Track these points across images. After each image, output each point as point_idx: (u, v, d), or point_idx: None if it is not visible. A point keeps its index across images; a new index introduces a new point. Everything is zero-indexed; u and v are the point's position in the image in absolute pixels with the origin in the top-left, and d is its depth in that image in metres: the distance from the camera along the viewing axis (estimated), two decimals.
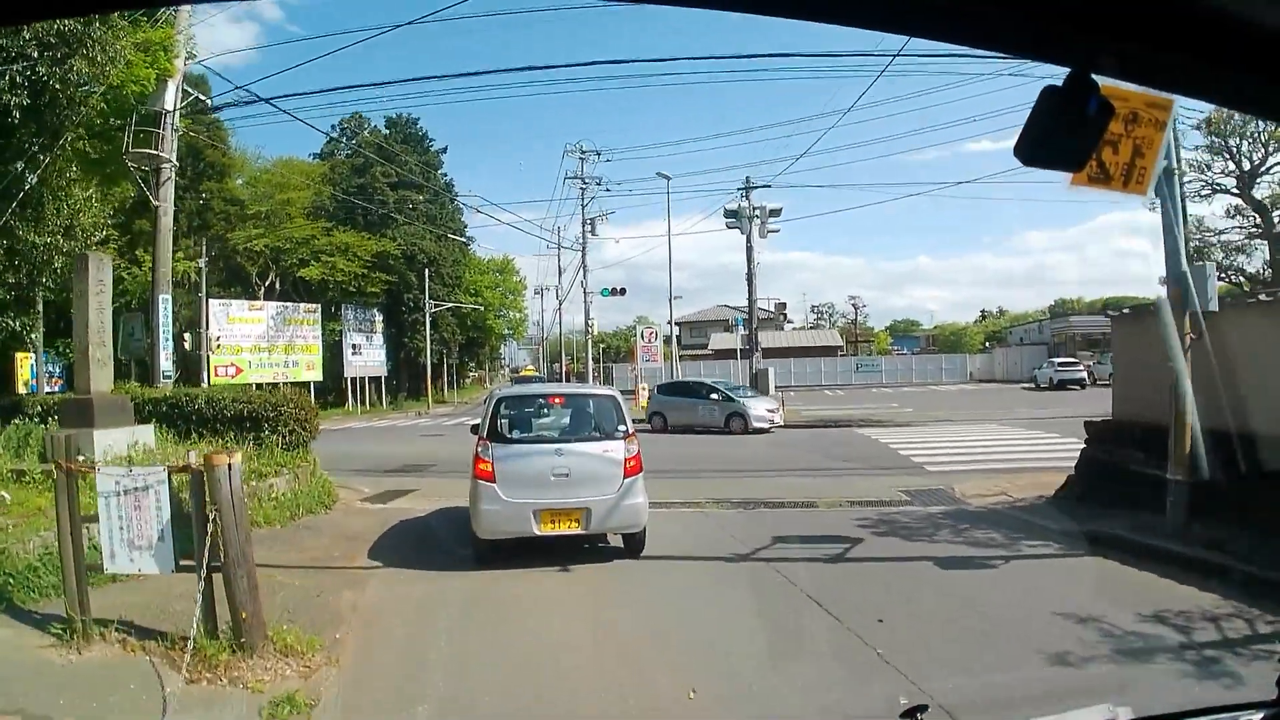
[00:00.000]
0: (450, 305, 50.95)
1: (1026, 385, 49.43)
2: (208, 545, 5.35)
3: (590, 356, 42.16)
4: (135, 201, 44.87)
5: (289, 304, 43.22)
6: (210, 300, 40.05)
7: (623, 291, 40.63)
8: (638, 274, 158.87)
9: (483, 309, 57.72)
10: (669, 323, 43.94)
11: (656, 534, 9.38)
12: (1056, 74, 1.32)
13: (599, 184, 41.42)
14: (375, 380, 48.63)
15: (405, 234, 46.91)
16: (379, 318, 48.07)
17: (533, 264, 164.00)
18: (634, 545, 8.77)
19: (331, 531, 10.57)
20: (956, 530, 10.28)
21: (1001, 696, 5.17)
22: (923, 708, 2.03)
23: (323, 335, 44.24)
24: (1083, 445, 12.63)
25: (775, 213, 26.26)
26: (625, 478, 8.34)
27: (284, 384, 41.99)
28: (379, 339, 48.08)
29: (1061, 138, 1.32)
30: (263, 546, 9.39)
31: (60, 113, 14.73)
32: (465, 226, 56.68)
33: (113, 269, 34.80)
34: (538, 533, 8.17)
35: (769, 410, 25.05)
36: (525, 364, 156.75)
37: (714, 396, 25.27)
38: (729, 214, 27.23)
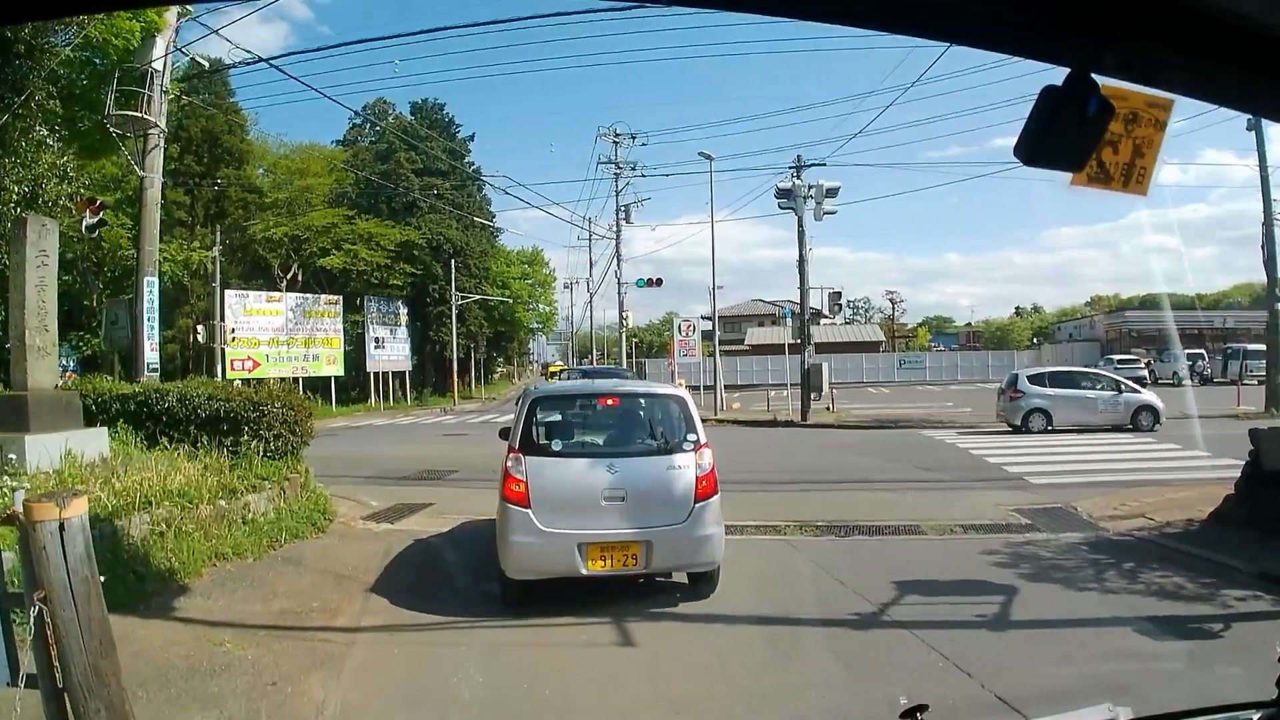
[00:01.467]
0: (477, 297, 48.85)
1: None
2: (28, 656, 3.07)
3: (624, 351, 39.79)
4: None
5: (309, 295, 41.33)
6: (226, 291, 38.25)
7: (659, 282, 38.32)
8: (667, 269, 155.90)
9: (511, 301, 55.52)
10: (704, 317, 41.61)
11: (737, 575, 7.13)
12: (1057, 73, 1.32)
13: (634, 169, 39.12)
14: (399, 375, 46.66)
15: (430, 223, 44.82)
16: (403, 310, 46.05)
17: (562, 258, 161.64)
18: (704, 585, 6.90)
19: (318, 565, 8.30)
20: (1124, 573, 7.86)
21: (1002, 696, 4.74)
22: (923, 707, 1.84)
23: (345, 328, 42.34)
24: (1247, 459, 10.15)
25: (832, 192, 23.70)
26: (696, 501, 6.49)
27: (303, 379, 40.16)
28: (403, 332, 46.08)
29: (1062, 137, 1.31)
30: (221, 591, 7.18)
31: (20, 63, 12.68)
32: (493, 216, 54.70)
33: (128, 258, 33.00)
34: (584, 572, 6.34)
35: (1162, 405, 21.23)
36: (554, 359, 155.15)
37: (1119, 388, 21.52)
38: (781, 194, 24.77)
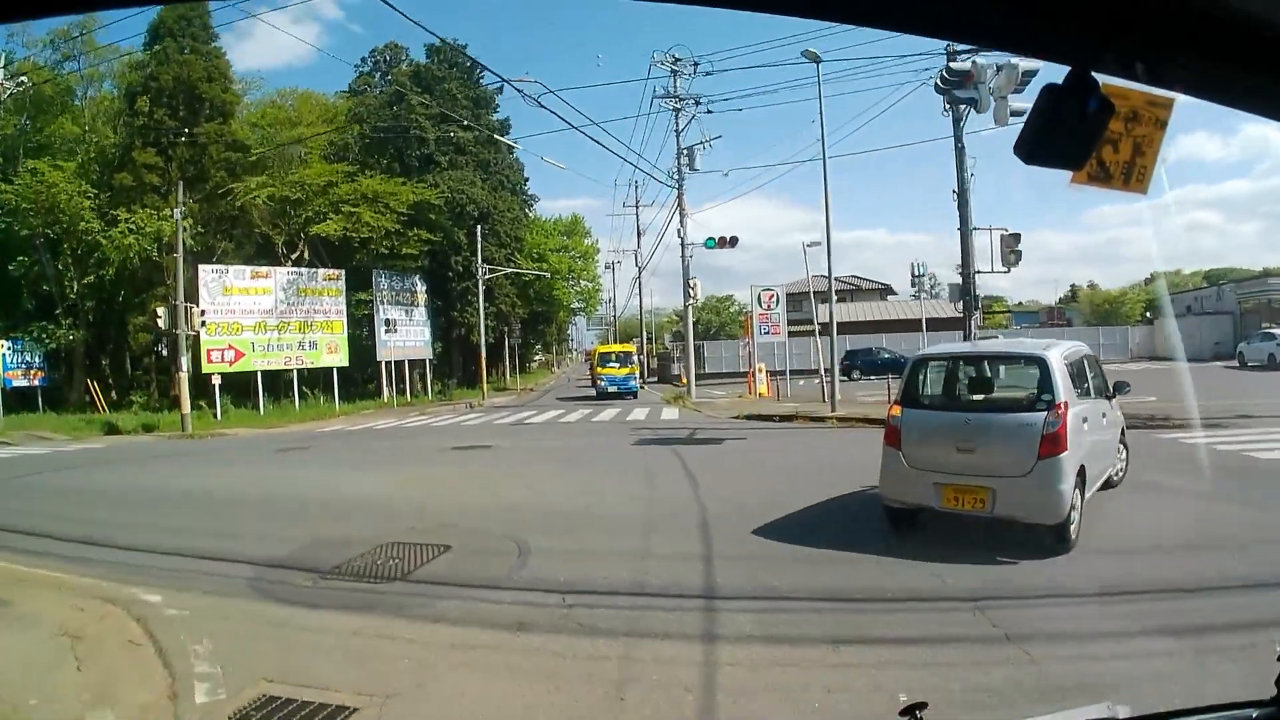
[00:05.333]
0: (508, 271, 41.28)
1: (1229, 364, 38.05)
2: None
3: (690, 327, 31.92)
4: (119, 153, 36.37)
5: (303, 270, 34.01)
6: (200, 265, 31.14)
7: (733, 242, 30.30)
8: (707, 257, 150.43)
9: (549, 276, 47.77)
10: (782, 291, 34.10)
11: None
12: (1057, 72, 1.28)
13: (697, 104, 31.39)
14: (418, 365, 39.21)
15: (450, 180, 37.23)
16: (420, 286, 38.39)
17: (603, 236, 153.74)
18: (1056, 542, 6.77)
19: None
20: None
21: (1001, 693, 4.29)
22: (922, 705, 1.79)
23: (349, 311, 34.96)
24: None
25: (1028, 76, 15.62)
26: (1040, 458, 6.70)
27: (298, 370, 32.92)
28: (421, 313, 38.47)
29: (1062, 136, 1.31)
30: None
31: None
32: (526, 180, 47.14)
33: (90, 232, 26.94)
34: (938, 507, 7.07)
35: None
36: (594, 344, 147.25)
37: None
38: (949, 81, 16.59)
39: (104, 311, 36.64)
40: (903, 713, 1.77)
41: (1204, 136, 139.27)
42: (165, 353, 35.01)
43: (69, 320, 35.36)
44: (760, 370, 32.54)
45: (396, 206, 34.04)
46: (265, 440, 21.81)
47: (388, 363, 35.90)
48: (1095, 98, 1.25)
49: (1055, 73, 1.30)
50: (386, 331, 35.12)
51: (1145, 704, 1.94)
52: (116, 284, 34.88)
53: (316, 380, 34.51)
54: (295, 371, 32.42)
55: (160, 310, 27.82)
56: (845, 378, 40.70)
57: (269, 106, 36.56)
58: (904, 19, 1.37)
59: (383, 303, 35.75)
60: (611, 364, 35.46)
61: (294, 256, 36.43)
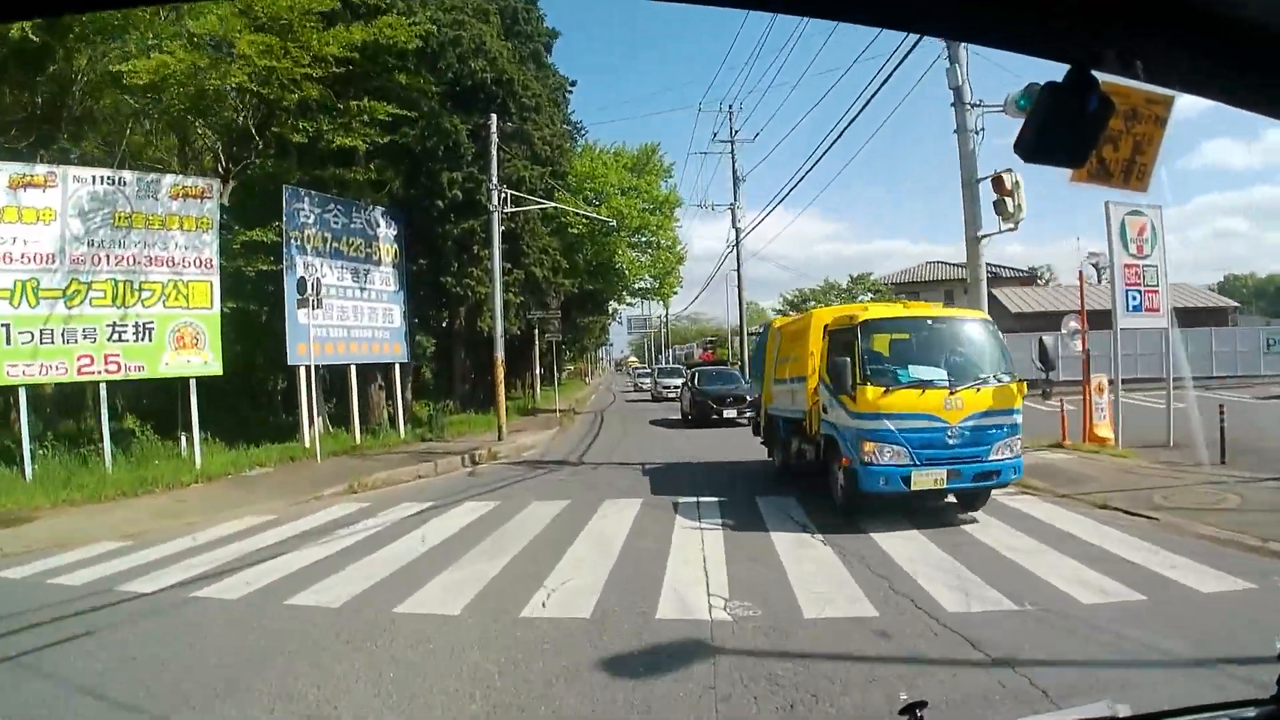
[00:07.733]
0: (546, 205, 23.47)
1: None
2: None
3: (984, 297, 14.25)
4: None
5: (128, 174, 16.20)
6: None
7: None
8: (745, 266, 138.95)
9: (613, 227, 29.33)
10: (1158, 216, 16.82)
11: None
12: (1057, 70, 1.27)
13: None
14: (381, 373, 21.41)
15: (438, 10, 19.59)
16: (387, 229, 20.63)
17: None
18: None
19: None
20: None
21: (1000, 693, 4.46)
22: (922, 703, 1.76)
23: (237, 262, 17.35)
24: None
25: None
26: None
27: (107, 382, 15.35)
28: (386, 277, 20.50)
29: (1062, 134, 1.31)
30: None
31: None
32: (573, 84, 29.71)
33: None
34: None
35: None
36: (627, 354, 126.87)
37: None
38: None
39: None
40: (902, 711, 1.74)
41: (1229, 143, 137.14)
42: None
43: None
44: (1101, 391, 15.05)
45: (323, 48, 16.45)
46: None
47: (311, 370, 18.05)
48: (1096, 95, 1.23)
49: (1055, 70, 1.28)
50: (301, 304, 17.12)
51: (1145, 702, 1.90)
52: None
53: (162, 399, 17.07)
54: (104, 385, 14.87)
55: None
56: None
57: None
58: (904, 18, 1.40)
59: (304, 247, 18.08)
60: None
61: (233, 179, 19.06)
